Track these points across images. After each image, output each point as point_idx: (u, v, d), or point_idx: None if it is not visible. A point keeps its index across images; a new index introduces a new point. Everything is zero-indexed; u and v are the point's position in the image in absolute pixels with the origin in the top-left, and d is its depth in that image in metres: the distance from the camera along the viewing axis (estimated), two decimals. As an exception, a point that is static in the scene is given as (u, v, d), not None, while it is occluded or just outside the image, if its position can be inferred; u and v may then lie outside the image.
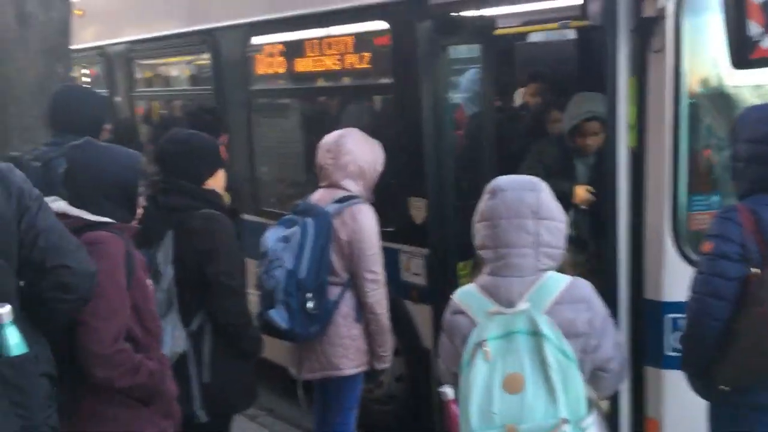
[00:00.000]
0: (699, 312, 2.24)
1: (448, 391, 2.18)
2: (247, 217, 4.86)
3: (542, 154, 3.91)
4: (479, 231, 2.17)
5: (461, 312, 2.15)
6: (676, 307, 2.80)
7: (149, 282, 2.48)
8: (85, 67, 6.71)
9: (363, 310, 3.22)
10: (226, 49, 4.91)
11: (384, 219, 3.86)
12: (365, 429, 4.37)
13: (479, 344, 2.03)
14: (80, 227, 2.28)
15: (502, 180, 2.19)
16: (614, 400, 3.10)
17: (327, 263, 3.11)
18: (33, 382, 1.99)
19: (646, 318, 3.03)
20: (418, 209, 3.86)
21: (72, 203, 2.34)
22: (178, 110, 6.21)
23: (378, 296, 3.20)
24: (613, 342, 2.17)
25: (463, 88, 4.40)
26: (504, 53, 5.25)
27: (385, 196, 4.16)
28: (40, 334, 2.07)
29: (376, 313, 3.21)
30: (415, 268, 3.95)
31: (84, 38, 6.15)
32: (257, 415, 4.60)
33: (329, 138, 3.26)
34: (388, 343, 3.28)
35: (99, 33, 6.20)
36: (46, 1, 4.39)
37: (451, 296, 2.24)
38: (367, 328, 3.24)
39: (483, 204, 2.17)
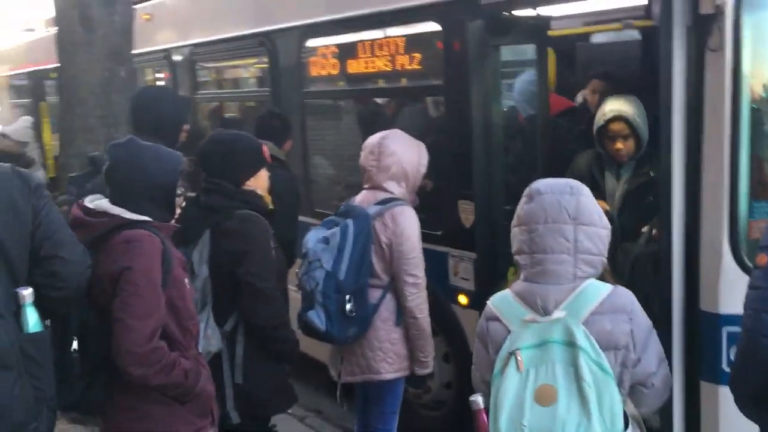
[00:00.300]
0: (753, 330, 2.09)
1: (478, 400, 2.12)
2: (301, 218, 4.91)
3: (576, 164, 3.70)
4: (516, 236, 2.10)
5: (496, 318, 2.09)
6: (733, 319, 2.64)
7: (187, 281, 2.50)
8: (158, 71, 6.90)
9: (403, 314, 3.18)
10: (282, 51, 4.96)
11: (433, 222, 3.83)
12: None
13: (512, 353, 1.97)
14: (119, 225, 2.32)
15: (541, 183, 2.11)
16: (667, 416, 2.97)
17: (367, 266, 3.08)
18: (48, 359, 2.16)
19: (701, 331, 2.89)
20: (467, 212, 3.80)
21: (112, 201, 2.38)
22: (239, 112, 6.33)
23: (418, 300, 3.15)
24: (657, 357, 2.06)
25: (518, 89, 4.30)
26: (562, 54, 5.13)
27: (435, 199, 4.11)
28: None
29: (416, 317, 3.16)
30: (463, 272, 3.88)
31: (150, 42, 6.34)
32: (305, 416, 4.61)
33: (372, 139, 3.24)
34: (428, 348, 3.22)
35: (164, 36, 6.36)
36: (110, 6, 4.49)
37: (486, 302, 2.18)
38: (407, 333, 3.19)
39: (520, 208, 2.10)
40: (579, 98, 4.64)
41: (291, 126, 4.36)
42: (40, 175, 7.62)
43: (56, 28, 4.73)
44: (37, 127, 9.16)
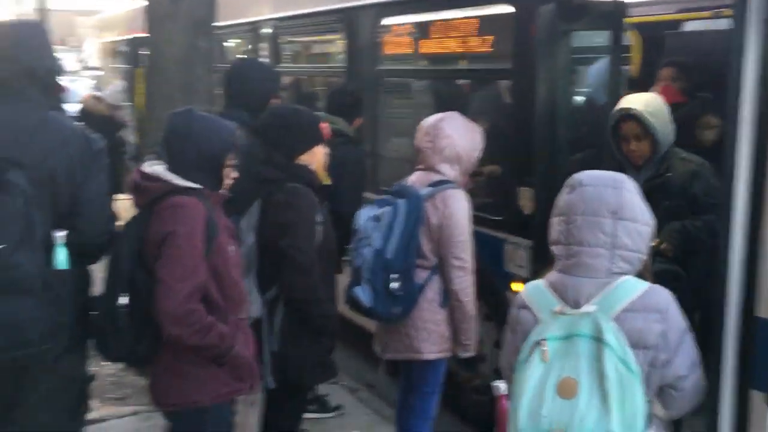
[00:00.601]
0: None
1: (500, 385, 2.14)
2: (369, 195, 4.97)
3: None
4: (553, 225, 2.08)
5: (526, 307, 2.08)
6: (790, 328, 2.53)
7: (233, 249, 2.59)
8: (243, 43, 7.06)
9: (449, 297, 3.20)
10: (358, 28, 5.00)
11: (492, 207, 3.81)
12: (462, 416, 4.36)
13: (538, 343, 1.96)
14: (170, 191, 2.44)
15: (585, 174, 2.07)
16: (713, 425, 2.87)
17: (415, 246, 3.11)
18: (69, 294, 2.47)
19: (755, 338, 2.77)
20: (527, 199, 3.75)
21: (169, 168, 2.50)
22: (315, 86, 6.43)
23: (464, 284, 3.17)
24: (689, 360, 2.00)
25: (591, 77, 4.19)
26: (650, 42, 4.94)
27: (495, 184, 4.09)
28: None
29: (461, 300, 3.18)
30: (519, 259, 3.85)
31: (236, 14, 6.51)
32: (357, 388, 4.71)
33: (429, 121, 3.25)
34: (471, 331, 3.23)
35: (248, 10, 6.52)
36: (196, -22, 4.64)
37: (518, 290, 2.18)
38: (451, 315, 3.21)
39: (560, 197, 2.08)
40: (654, 91, 4.46)
41: (362, 103, 4.41)
42: (128, 137, 8.28)
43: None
44: (131, 92, 9.60)
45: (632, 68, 5.03)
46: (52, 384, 2.59)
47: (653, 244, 3.15)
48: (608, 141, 3.44)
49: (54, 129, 2.48)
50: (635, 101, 3.29)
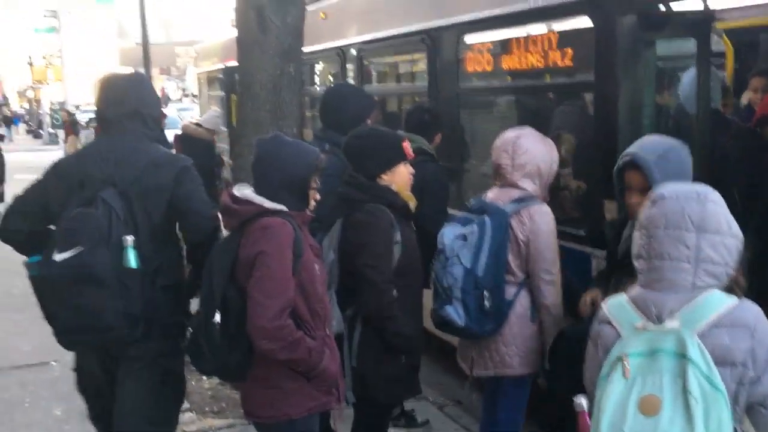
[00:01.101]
0: None
1: (582, 402, 2.12)
2: (452, 211, 5.01)
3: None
4: (635, 240, 2.06)
5: (608, 322, 2.06)
6: None
7: (318, 266, 2.70)
8: (330, 66, 7.27)
9: (538, 311, 3.21)
10: (440, 47, 5.07)
11: (577, 221, 3.77)
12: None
13: (620, 358, 1.94)
14: (259, 213, 2.58)
15: (667, 187, 2.05)
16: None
17: (504, 262, 3.13)
18: (137, 288, 2.80)
19: None
20: (612, 213, 3.69)
21: (256, 191, 2.65)
22: (400, 106, 6.54)
23: (554, 297, 3.18)
24: None
25: (683, 86, 4.06)
26: (744, 48, 4.76)
27: (580, 198, 4.04)
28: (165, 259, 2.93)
29: (552, 314, 3.19)
30: (605, 274, 3.78)
31: (323, 39, 6.73)
32: (445, 404, 4.73)
33: (506, 137, 3.27)
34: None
35: (336, 34, 6.72)
36: (284, 8, 4.82)
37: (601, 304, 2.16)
38: (539, 328, 3.21)
39: (643, 212, 2.06)
40: (744, 100, 4.30)
41: (441, 119, 4.47)
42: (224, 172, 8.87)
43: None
44: (228, 117, 10.05)
45: (727, 76, 4.87)
46: (144, 373, 2.88)
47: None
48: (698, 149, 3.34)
49: (145, 155, 2.93)
50: (644, 146, 2.88)
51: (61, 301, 2.75)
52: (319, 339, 2.65)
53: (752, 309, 1.93)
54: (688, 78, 4.23)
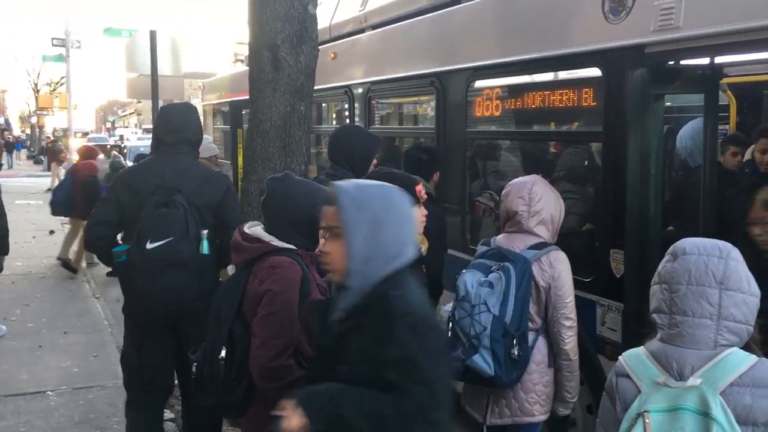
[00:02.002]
0: None
1: None
2: (453, 252, 5.02)
3: None
4: (655, 293, 2.04)
5: (626, 375, 2.04)
6: None
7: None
8: (339, 105, 7.35)
9: (557, 356, 3.21)
10: (449, 91, 5.14)
11: (583, 269, 3.77)
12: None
13: (641, 414, 1.91)
14: (268, 251, 2.58)
15: (688, 242, 2.03)
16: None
17: (527, 309, 3.13)
18: (210, 270, 3.67)
19: None
20: (618, 262, 3.70)
21: (266, 229, 2.65)
22: (406, 146, 6.59)
23: (573, 343, 3.21)
24: None
25: (686, 137, 4.13)
26: (748, 101, 4.85)
27: (587, 246, 4.05)
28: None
29: (571, 360, 3.21)
30: (611, 322, 3.78)
31: (333, 78, 6.81)
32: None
33: (519, 184, 3.29)
34: (577, 388, 3.27)
35: (345, 74, 6.80)
36: (297, 47, 4.87)
37: (618, 357, 2.14)
38: (557, 374, 3.22)
39: (662, 266, 2.04)
40: (747, 154, 4.35)
41: (439, 159, 4.51)
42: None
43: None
44: (233, 151, 10.11)
45: (729, 128, 4.93)
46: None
47: None
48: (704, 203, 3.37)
49: (199, 171, 3.84)
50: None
51: (152, 280, 3.47)
52: (322, 378, 2.63)
53: None
54: (692, 129, 4.30)
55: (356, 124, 6.47)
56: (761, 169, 4.06)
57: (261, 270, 2.55)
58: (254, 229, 2.67)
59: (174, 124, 3.83)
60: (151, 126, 10.92)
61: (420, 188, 3.17)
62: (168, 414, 4.78)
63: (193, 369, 2.69)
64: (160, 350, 3.81)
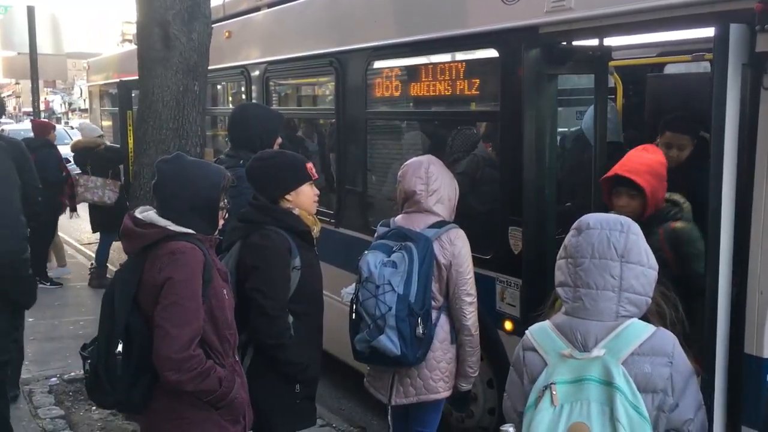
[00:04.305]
0: None
1: (509, 430, 2.11)
2: (353, 233, 5.01)
3: None
4: (561, 268, 2.08)
5: (533, 349, 2.07)
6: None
7: (227, 292, 2.60)
8: (235, 85, 7.14)
9: (459, 332, 3.25)
10: (348, 71, 5.08)
11: (483, 246, 3.84)
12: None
13: (547, 386, 1.95)
14: (165, 236, 2.45)
15: (591, 217, 2.08)
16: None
17: (430, 287, 3.15)
18: None
19: (744, 375, 2.80)
20: (516, 239, 3.80)
21: (160, 213, 2.51)
22: (307, 127, 6.51)
23: (474, 318, 3.25)
24: (695, 403, 1.99)
25: (587, 119, 4.26)
26: (634, 85, 5.05)
27: (486, 224, 4.13)
28: None
29: (473, 335, 3.25)
30: (510, 298, 3.88)
31: (228, 57, 6.61)
32: (349, 430, 4.67)
33: (416, 164, 3.30)
34: (477, 363, 3.32)
35: (241, 53, 6.61)
36: (189, 24, 4.68)
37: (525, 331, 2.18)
38: (459, 350, 3.26)
39: (568, 240, 2.08)
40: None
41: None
42: None
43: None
44: (123, 134, 9.67)
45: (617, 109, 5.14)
46: None
47: None
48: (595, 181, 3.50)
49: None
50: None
51: None
52: (229, 367, 2.55)
53: (668, 337, 1.98)
54: (591, 111, 4.44)
55: (260, 104, 6.31)
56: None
57: (159, 257, 2.41)
58: (147, 213, 2.52)
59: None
60: (31, 109, 10.32)
61: (311, 166, 3.12)
62: None
63: (86, 366, 2.54)
64: None
